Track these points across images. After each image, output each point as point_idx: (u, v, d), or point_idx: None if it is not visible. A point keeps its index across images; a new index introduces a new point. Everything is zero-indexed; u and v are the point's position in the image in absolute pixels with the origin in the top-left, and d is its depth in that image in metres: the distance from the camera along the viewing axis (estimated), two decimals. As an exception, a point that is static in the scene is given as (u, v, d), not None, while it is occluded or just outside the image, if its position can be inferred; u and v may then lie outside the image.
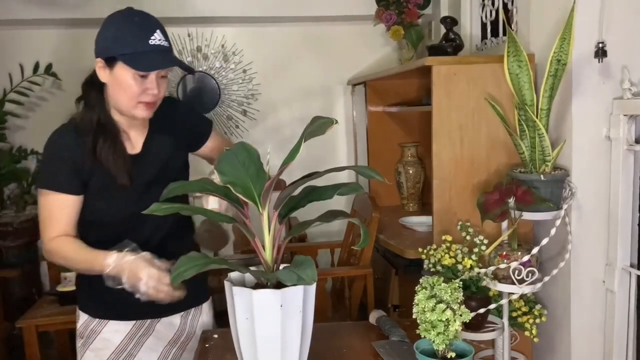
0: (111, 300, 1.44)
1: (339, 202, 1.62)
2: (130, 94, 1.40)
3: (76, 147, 1.42)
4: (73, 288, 2.63)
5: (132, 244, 1.36)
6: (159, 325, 1.48)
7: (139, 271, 1.27)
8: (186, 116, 1.61)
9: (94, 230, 1.48)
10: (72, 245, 1.40)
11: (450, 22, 2.66)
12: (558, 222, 1.85)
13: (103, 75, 1.43)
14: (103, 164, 1.42)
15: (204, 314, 1.54)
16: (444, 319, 1.10)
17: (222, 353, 1.33)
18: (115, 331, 1.49)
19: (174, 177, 1.33)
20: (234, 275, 1.28)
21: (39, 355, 2.33)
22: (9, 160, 3.35)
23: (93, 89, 1.47)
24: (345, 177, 3.51)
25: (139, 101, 1.41)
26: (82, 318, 1.54)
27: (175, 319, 1.50)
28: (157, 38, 1.38)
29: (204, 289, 1.56)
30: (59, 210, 1.42)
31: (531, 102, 1.88)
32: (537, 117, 1.86)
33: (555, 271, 1.87)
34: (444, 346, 1.11)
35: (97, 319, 1.51)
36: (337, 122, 1.21)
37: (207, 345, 1.39)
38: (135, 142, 1.50)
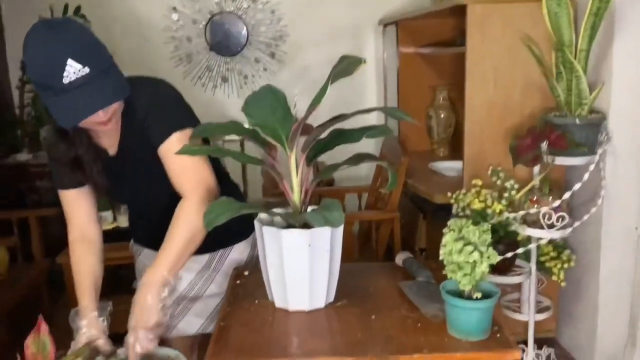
0: (145, 232, 1.57)
1: (367, 146, 1.60)
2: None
3: (60, 147, 1.35)
4: (109, 227, 2.74)
5: (106, 309, 1.36)
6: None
7: (77, 339, 1.28)
8: (143, 114, 1.33)
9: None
10: (76, 265, 1.40)
11: (488, -42, 2.54)
12: (592, 167, 1.81)
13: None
14: (81, 167, 1.36)
15: (234, 252, 1.58)
16: (471, 261, 1.10)
17: (252, 290, 1.37)
18: (147, 258, 1.59)
19: (159, 172, 1.30)
20: (263, 216, 1.30)
21: (78, 290, 2.45)
22: (43, 103, 3.41)
23: None
24: (373, 120, 3.48)
25: (91, 122, 1.23)
26: (132, 241, 1.69)
27: (203, 257, 1.54)
28: (71, 72, 1.13)
29: (235, 233, 1.58)
30: (69, 207, 1.44)
31: (569, 43, 1.81)
32: (575, 58, 1.79)
33: (586, 217, 1.85)
34: (470, 287, 1.12)
35: (137, 244, 1.65)
36: (365, 61, 1.19)
37: (238, 282, 1.43)
38: (111, 141, 1.38)
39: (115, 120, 1.28)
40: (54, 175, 1.43)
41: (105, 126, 1.25)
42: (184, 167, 1.29)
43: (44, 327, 1.02)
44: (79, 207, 1.44)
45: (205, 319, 1.57)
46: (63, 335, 1.05)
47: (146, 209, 1.55)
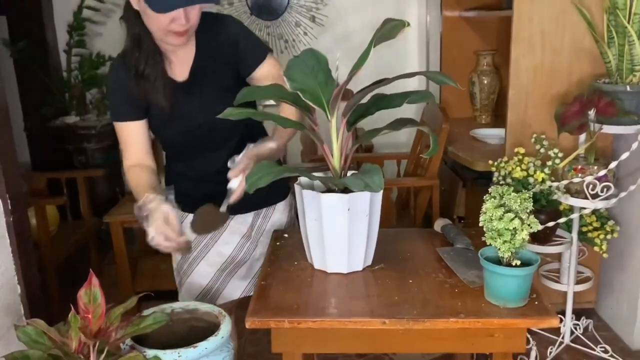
0: (194, 196, 1.55)
1: (407, 112, 1.59)
2: (158, 24, 1.33)
3: (126, 77, 1.43)
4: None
5: (170, 193, 1.43)
6: (233, 222, 1.58)
7: (151, 222, 1.34)
8: (234, 37, 1.48)
9: (171, 152, 1.61)
10: (135, 177, 1.47)
11: None
12: (641, 137, 1.75)
13: (135, 2, 1.36)
14: (146, 88, 1.42)
15: (277, 212, 1.61)
16: (511, 228, 1.09)
17: (292, 251, 1.40)
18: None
19: (229, 103, 1.30)
20: (303, 179, 1.32)
21: (124, 248, 2.54)
22: (89, 67, 3.49)
23: (132, 11, 1.39)
24: (414, 87, 3.43)
25: (168, 30, 1.34)
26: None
27: (248, 217, 1.58)
28: None
29: (276, 191, 1.62)
30: (127, 139, 1.49)
31: (623, 6, 1.73)
32: (628, 22, 1.72)
33: (632, 187, 1.80)
34: (510, 254, 1.11)
35: (180, 210, 1.63)
36: (409, 24, 1.18)
37: (278, 244, 1.46)
38: (181, 68, 1.46)
39: (187, 37, 1.38)
40: (112, 106, 1.50)
41: (180, 37, 1.35)
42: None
43: (95, 280, 1.07)
44: (135, 139, 1.49)
45: (249, 282, 1.62)
46: (108, 291, 1.10)
47: (202, 146, 1.54)
